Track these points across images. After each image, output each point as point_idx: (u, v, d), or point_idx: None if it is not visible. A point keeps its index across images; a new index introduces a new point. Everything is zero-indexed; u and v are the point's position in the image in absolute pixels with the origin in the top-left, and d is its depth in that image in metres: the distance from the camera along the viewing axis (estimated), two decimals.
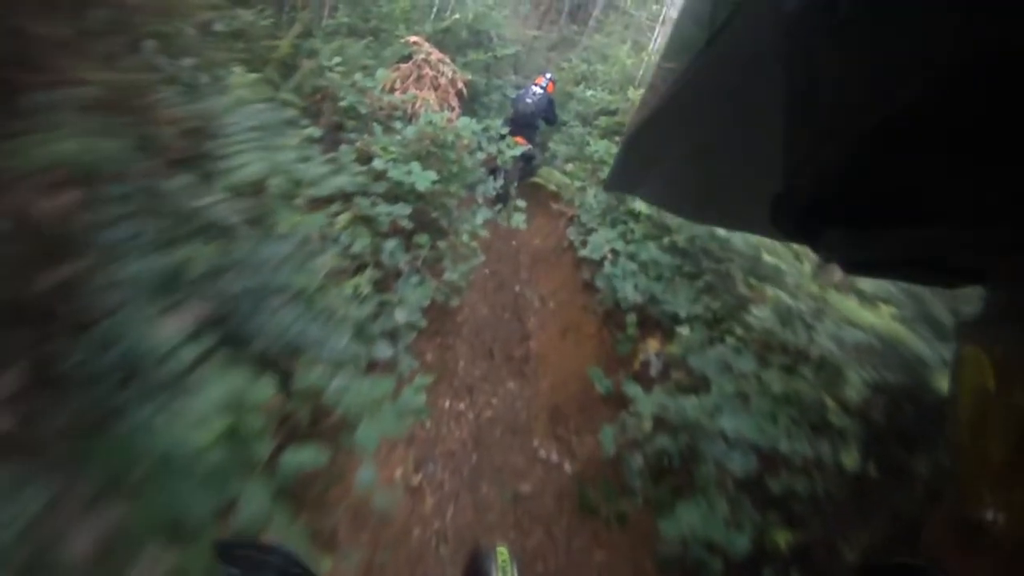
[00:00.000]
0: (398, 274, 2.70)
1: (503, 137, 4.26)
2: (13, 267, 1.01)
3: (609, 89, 6.39)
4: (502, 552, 0.74)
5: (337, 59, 3.39)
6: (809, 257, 2.15)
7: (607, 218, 4.16)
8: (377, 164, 2.85)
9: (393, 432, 1.53)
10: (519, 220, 3.92)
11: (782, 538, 1.80)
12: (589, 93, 6.46)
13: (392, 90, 3.88)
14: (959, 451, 0.29)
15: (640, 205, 3.66)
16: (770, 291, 1.97)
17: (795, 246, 2.12)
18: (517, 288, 4.74)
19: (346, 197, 2.65)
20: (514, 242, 5.22)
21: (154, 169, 1.20)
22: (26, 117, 1.09)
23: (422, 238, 2.91)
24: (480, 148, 3.86)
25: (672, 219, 3.36)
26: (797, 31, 0.28)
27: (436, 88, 4.33)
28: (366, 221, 2.57)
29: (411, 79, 4.23)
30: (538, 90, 5.82)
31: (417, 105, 3.80)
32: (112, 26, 1.49)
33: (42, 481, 0.92)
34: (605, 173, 4.63)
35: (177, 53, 1.98)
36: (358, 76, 3.41)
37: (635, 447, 2.30)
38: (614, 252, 3.64)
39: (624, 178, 0.99)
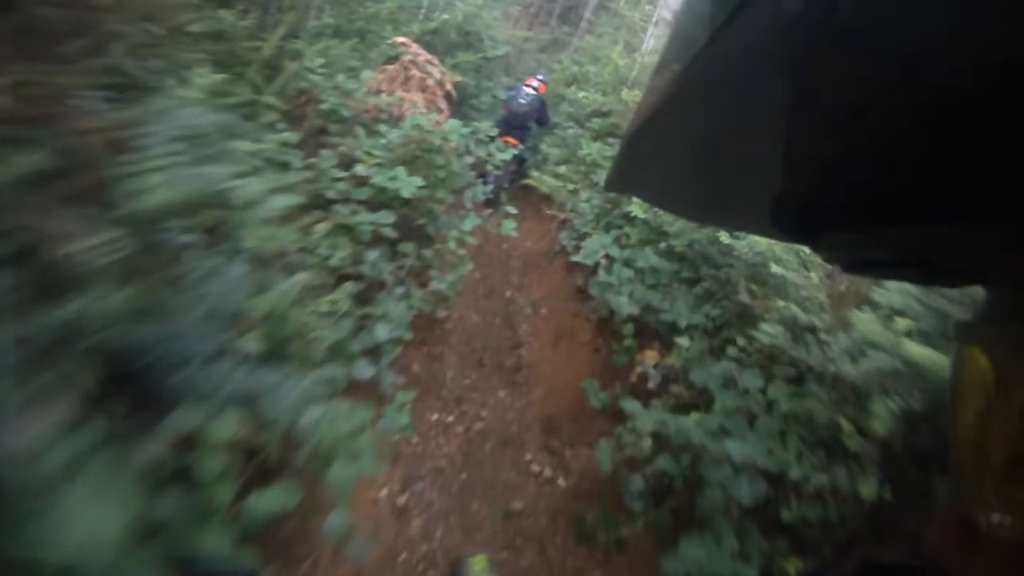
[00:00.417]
0: (382, 285, 2.57)
1: (493, 140, 4.15)
2: None
3: (602, 90, 6.29)
4: (480, 560, 0.74)
5: (320, 60, 3.27)
6: (817, 266, 2.03)
7: (601, 222, 4.04)
8: (360, 169, 2.72)
9: (370, 472, 1.39)
10: (510, 227, 3.80)
11: (792, 566, 1.69)
12: (581, 95, 6.38)
13: (378, 92, 3.75)
14: (959, 452, 0.28)
15: (636, 209, 3.54)
16: (781, 304, 1.85)
17: (802, 254, 2.01)
18: (508, 293, 4.63)
19: (327, 205, 2.53)
20: (505, 246, 5.10)
21: (42, 203, 1.02)
22: None
23: (407, 247, 2.77)
24: (468, 152, 3.74)
25: (670, 224, 3.25)
26: (798, 30, 0.27)
27: (424, 90, 4.21)
28: (347, 230, 2.44)
29: (398, 81, 4.12)
30: (530, 91, 5.78)
31: (403, 107, 3.67)
32: (66, 26, 1.37)
33: None
34: (598, 176, 4.56)
35: (146, 55, 1.88)
36: (341, 78, 3.29)
37: (634, 467, 2.18)
38: (609, 258, 3.52)
39: (623, 178, 0.95)
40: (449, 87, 4.45)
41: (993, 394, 0.26)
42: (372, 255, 2.49)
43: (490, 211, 4.64)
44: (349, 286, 2.21)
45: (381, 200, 2.71)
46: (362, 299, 2.42)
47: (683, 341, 2.52)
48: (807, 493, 1.59)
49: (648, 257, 3.18)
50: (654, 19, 7.54)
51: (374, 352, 2.32)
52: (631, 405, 2.21)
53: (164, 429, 1.07)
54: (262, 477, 1.31)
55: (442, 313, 3.30)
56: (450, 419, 3.26)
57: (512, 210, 4.02)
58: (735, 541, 1.67)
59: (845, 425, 1.54)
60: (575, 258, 3.87)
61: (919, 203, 0.27)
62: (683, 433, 1.87)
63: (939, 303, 1.56)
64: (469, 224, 3.36)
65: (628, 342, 3.00)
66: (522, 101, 5.69)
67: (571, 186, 4.83)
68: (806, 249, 1.90)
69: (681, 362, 2.49)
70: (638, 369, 2.73)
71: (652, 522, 2.07)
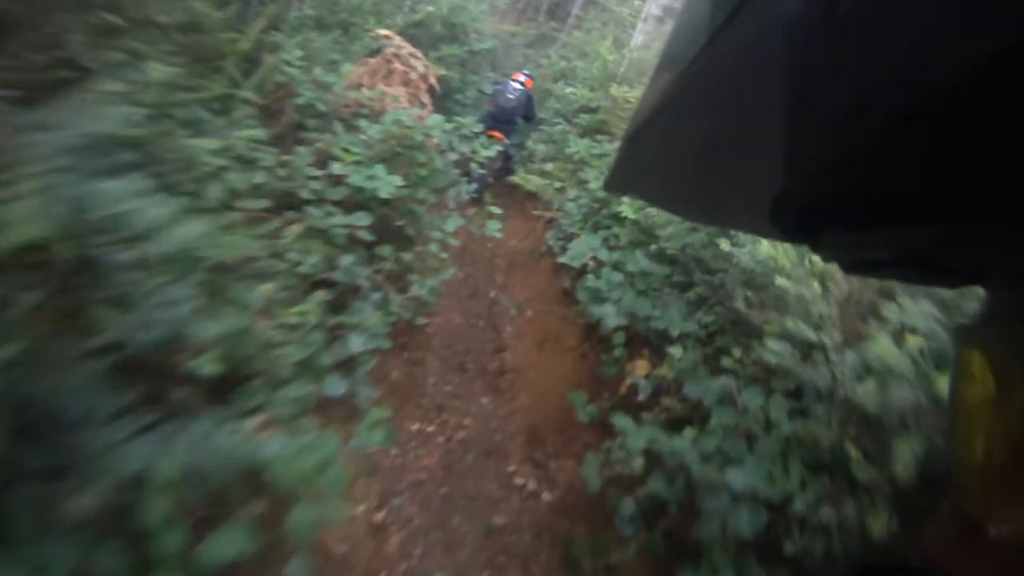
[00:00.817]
0: (357, 292, 2.42)
1: (478, 136, 4.01)
2: None
3: (590, 86, 6.18)
4: None
5: (299, 53, 3.12)
6: (819, 275, 1.92)
7: (589, 222, 3.92)
8: (336, 167, 2.57)
9: (335, 518, 1.25)
10: (494, 228, 3.67)
11: None
12: (569, 90, 6.29)
13: (359, 86, 3.60)
14: (960, 453, 0.28)
15: (626, 209, 3.41)
16: (789, 323, 1.73)
17: (808, 264, 1.90)
18: (492, 294, 4.50)
19: (300, 205, 2.38)
20: (489, 244, 4.97)
21: None
22: None
23: (385, 250, 2.62)
24: (452, 148, 3.60)
25: (661, 226, 3.13)
26: (798, 30, 0.28)
27: (406, 84, 4.05)
28: (320, 233, 2.28)
29: (379, 74, 3.96)
30: (517, 86, 5.73)
31: (385, 102, 3.52)
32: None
33: None
34: (586, 174, 4.43)
35: (103, 47, 1.74)
36: (318, 71, 3.13)
37: (624, 487, 2.06)
38: (597, 261, 3.39)
39: (623, 178, 0.97)
40: (433, 81, 4.30)
41: (993, 395, 0.25)
42: (346, 260, 2.34)
43: (474, 210, 4.52)
44: (321, 294, 2.06)
45: (358, 200, 2.56)
46: (335, 307, 2.27)
47: (675, 351, 2.41)
48: (811, 524, 1.48)
49: (638, 260, 3.06)
50: (643, 14, 7.40)
51: (348, 364, 2.18)
52: (622, 421, 2.09)
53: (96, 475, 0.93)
54: (216, 519, 1.17)
55: (422, 320, 3.17)
56: (431, 429, 3.13)
57: (497, 210, 3.90)
58: (733, 574, 1.56)
59: (853, 452, 1.43)
60: (562, 259, 3.75)
61: (919, 203, 0.27)
62: (677, 455, 1.75)
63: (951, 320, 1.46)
64: (452, 225, 3.22)
65: (618, 352, 2.88)
66: (509, 96, 5.63)
67: (558, 184, 4.71)
68: (816, 258, 1.80)
69: (673, 373, 2.37)
70: (628, 380, 2.61)
71: (644, 547, 1.96)
